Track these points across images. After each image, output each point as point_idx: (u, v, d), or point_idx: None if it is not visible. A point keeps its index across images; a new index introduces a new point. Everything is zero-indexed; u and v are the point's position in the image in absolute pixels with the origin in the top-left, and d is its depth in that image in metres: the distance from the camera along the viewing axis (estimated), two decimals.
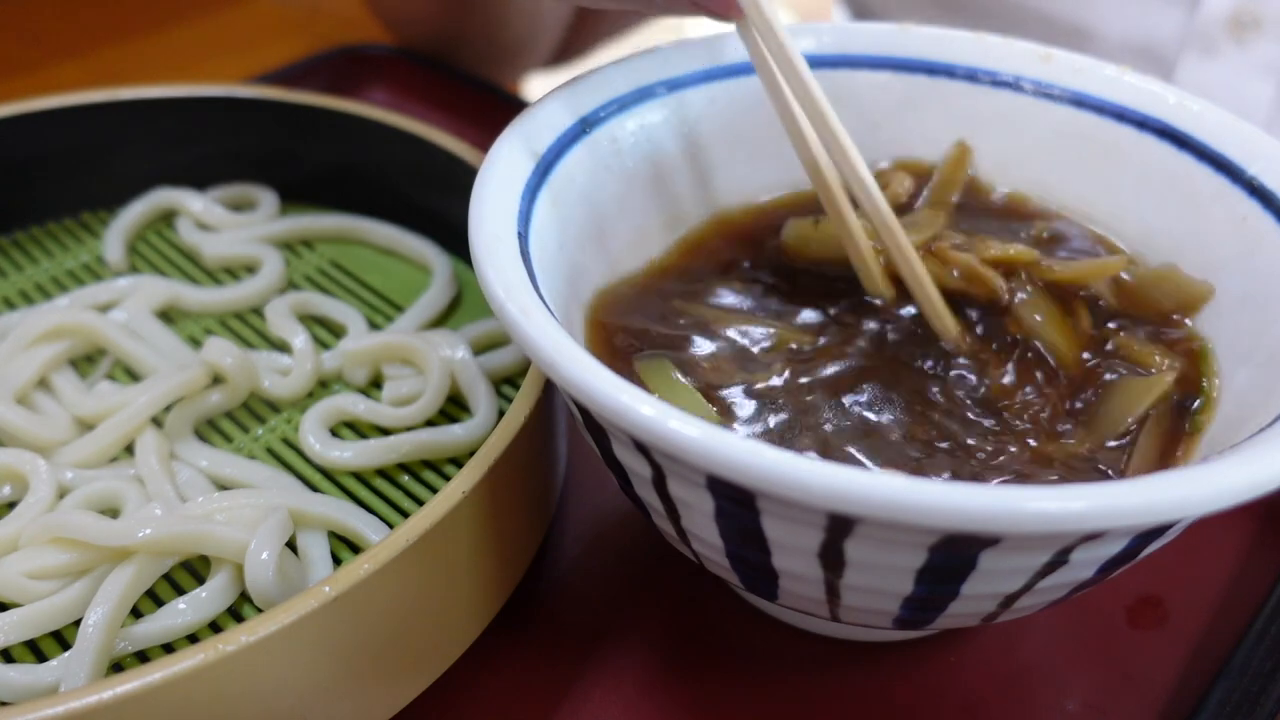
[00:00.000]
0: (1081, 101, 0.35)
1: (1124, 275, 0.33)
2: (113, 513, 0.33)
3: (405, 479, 0.35)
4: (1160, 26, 0.53)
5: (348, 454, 0.35)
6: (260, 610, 0.30)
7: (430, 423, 0.37)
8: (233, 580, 0.31)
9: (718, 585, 0.35)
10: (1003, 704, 0.32)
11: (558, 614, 0.34)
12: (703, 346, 0.32)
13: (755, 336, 0.32)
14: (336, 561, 0.33)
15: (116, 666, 0.30)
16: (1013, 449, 0.29)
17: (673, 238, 0.36)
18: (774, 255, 0.35)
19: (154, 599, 0.32)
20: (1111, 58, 0.35)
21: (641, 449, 0.25)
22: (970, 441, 0.29)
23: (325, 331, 0.42)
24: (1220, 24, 0.52)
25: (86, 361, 0.39)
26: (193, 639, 0.31)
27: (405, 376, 0.38)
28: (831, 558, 0.24)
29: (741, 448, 0.22)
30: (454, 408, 0.38)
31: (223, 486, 0.35)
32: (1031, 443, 0.29)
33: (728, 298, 0.34)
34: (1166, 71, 0.54)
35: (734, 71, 0.36)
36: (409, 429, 0.36)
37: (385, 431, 0.37)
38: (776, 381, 0.30)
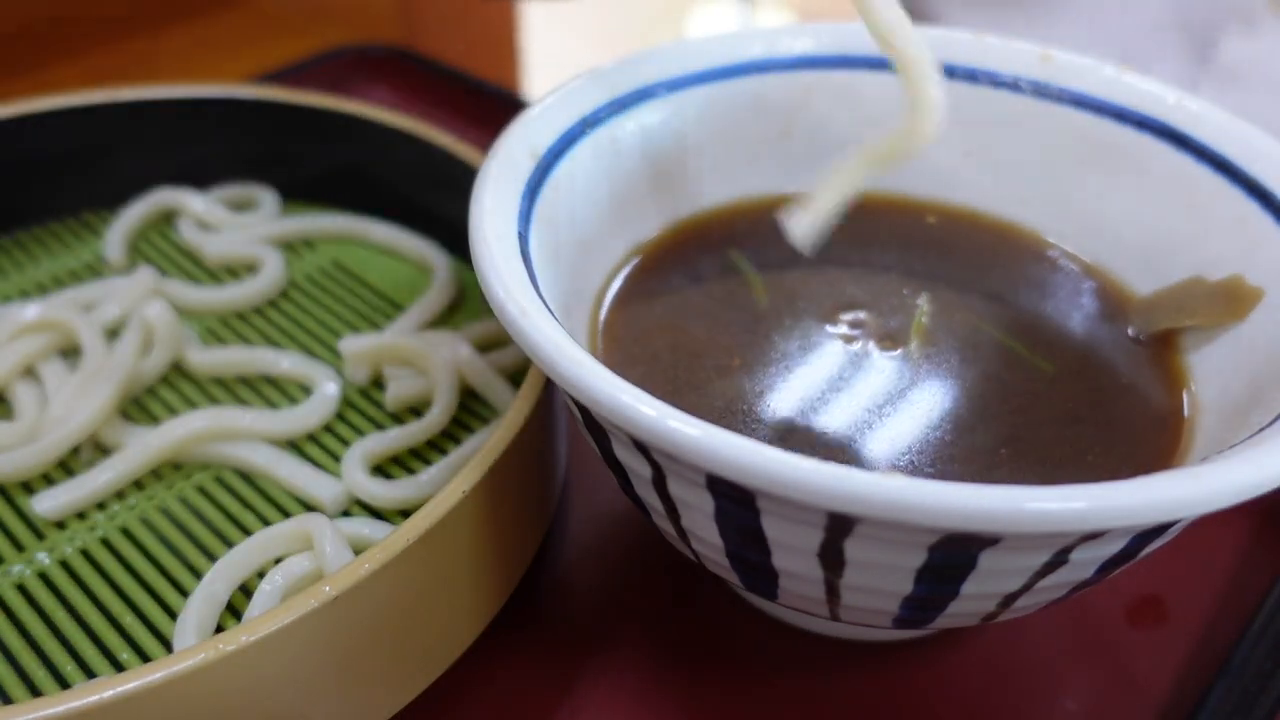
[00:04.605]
0: (1081, 102, 0.35)
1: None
2: None
3: (405, 478, 0.35)
4: (1200, 1, 0.53)
5: (410, 491, 0.34)
6: None
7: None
8: None
9: (718, 585, 0.35)
10: (1003, 704, 0.32)
11: (558, 614, 0.34)
12: (702, 344, 0.32)
13: (754, 332, 0.32)
14: None
15: (117, 666, 0.30)
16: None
17: (672, 237, 0.36)
18: (773, 254, 0.35)
19: (162, 606, 0.32)
20: (1153, 33, 0.33)
21: (641, 449, 0.25)
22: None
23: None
24: None
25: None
26: None
27: (406, 376, 0.38)
28: (831, 557, 0.24)
29: (741, 447, 0.22)
30: (462, 411, 0.38)
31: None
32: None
33: (727, 296, 0.34)
34: (1208, 46, 0.53)
35: (734, 72, 0.36)
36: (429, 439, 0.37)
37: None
38: (772, 376, 0.30)
